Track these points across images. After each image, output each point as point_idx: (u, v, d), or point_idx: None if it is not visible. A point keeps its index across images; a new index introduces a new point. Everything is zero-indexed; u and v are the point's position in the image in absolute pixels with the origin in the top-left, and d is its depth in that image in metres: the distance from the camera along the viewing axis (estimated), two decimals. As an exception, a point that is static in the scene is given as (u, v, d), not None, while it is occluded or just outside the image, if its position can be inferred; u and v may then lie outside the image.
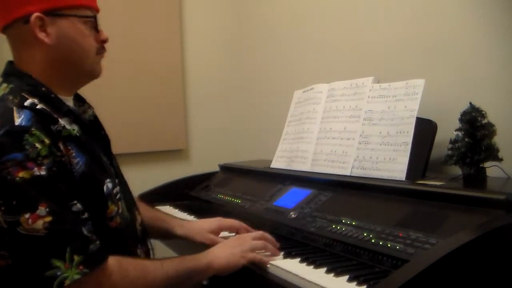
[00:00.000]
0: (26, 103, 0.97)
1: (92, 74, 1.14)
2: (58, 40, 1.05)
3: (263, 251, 1.16)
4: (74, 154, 1.00)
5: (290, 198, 1.48)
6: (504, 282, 0.90)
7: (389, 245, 1.03)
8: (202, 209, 1.73)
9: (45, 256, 0.86)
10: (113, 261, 0.95)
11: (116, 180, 1.12)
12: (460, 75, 1.45)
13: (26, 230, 0.86)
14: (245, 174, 1.91)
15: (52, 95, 1.05)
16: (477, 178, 1.24)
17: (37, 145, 0.91)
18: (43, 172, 0.90)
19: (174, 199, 1.93)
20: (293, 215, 1.37)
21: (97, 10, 1.13)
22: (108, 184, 1.06)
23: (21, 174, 0.88)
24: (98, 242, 0.94)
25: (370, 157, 1.40)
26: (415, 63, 1.59)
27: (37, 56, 1.05)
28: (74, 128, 1.04)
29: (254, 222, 1.41)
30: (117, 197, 1.09)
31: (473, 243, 0.84)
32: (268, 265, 1.11)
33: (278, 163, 1.78)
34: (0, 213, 0.86)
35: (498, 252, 0.90)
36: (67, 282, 0.86)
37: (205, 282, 1.24)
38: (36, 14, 1.02)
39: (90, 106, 1.21)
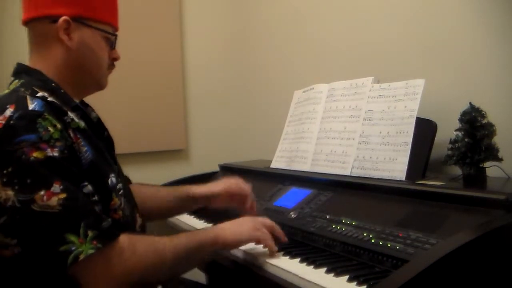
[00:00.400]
0: (38, 95, 1.01)
1: (100, 85, 1.20)
2: (78, 46, 1.11)
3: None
4: (82, 143, 1.03)
5: (290, 198, 1.48)
6: (504, 282, 0.90)
7: (389, 245, 1.03)
8: (202, 209, 1.73)
9: (60, 231, 0.88)
10: (124, 238, 0.97)
11: (119, 178, 1.14)
12: (460, 75, 1.45)
13: (40, 207, 0.88)
14: (245, 174, 1.90)
15: (62, 91, 1.09)
16: (477, 178, 1.24)
17: (50, 128, 0.94)
18: (56, 154, 0.93)
19: (174, 199, 1.93)
20: (293, 215, 1.37)
21: (117, 29, 1.20)
22: (112, 178, 1.09)
23: (35, 154, 0.90)
24: (109, 220, 0.97)
25: (370, 157, 1.40)
26: (415, 63, 1.59)
27: (54, 55, 1.10)
28: (81, 123, 1.07)
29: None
30: (120, 193, 1.10)
31: (473, 243, 0.84)
32: (263, 259, 1.12)
33: (278, 163, 1.78)
34: (14, 192, 0.88)
35: (498, 252, 0.90)
36: (82, 256, 0.88)
37: (204, 281, 1.24)
38: (65, 17, 1.07)
39: (93, 110, 1.24)
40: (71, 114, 1.05)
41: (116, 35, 1.18)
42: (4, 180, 0.89)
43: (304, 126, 1.70)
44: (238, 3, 2.68)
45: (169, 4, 2.55)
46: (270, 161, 1.82)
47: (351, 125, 1.50)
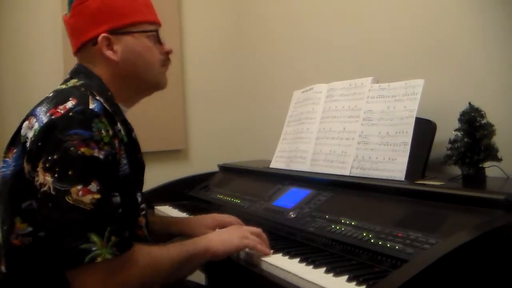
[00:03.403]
0: (96, 98, 1.04)
1: (158, 85, 1.23)
2: (124, 56, 1.14)
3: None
4: (123, 155, 1.05)
5: (289, 198, 1.48)
6: (504, 282, 0.90)
7: (388, 245, 1.03)
8: (201, 209, 1.73)
9: (86, 229, 0.89)
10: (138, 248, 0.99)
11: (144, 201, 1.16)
12: (459, 75, 1.45)
13: (74, 201, 0.90)
14: (245, 174, 1.91)
15: (115, 102, 1.12)
16: (476, 178, 1.24)
17: (103, 131, 0.98)
18: (101, 156, 0.95)
19: (174, 199, 1.93)
20: (292, 215, 1.37)
21: (159, 24, 1.23)
22: (139, 198, 1.11)
23: (83, 150, 0.93)
24: (128, 232, 0.98)
25: (370, 157, 1.40)
26: (414, 63, 1.59)
27: (105, 72, 1.14)
28: (125, 137, 1.10)
29: (254, 222, 1.41)
30: (143, 213, 1.13)
31: (473, 243, 0.84)
32: (264, 263, 1.11)
33: (278, 163, 1.78)
34: (52, 179, 0.91)
35: (497, 252, 0.90)
36: (99, 259, 0.89)
37: (204, 282, 1.24)
38: (103, 34, 1.12)
39: (133, 130, 1.25)
40: (119, 126, 1.08)
41: (156, 31, 1.19)
42: (47, 165, 0.92)
43: (304, 126, 1.70)
44: (237, 3, 2.68)
45: (169, 4, 2.55)
46: (270, 161, 1.82)
47: (351, 125, 1.50)
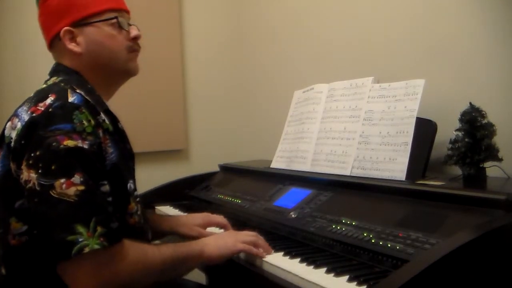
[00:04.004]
0: (76, 91, 1.05)
1: (127, 72, 1.22)
2: (88, 47, 1.14)
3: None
4: (109, 144, 1.06)
5: (290, 198, 1.48)
6: (504, 282, 0.90)
7: (389, 245, 1.03)
8: (202, 209, 1.73)
9: (71, 220, 0.90)
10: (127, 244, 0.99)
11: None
12: (460, 75, 1.45)
13: (58, 194, 0.90)
14: (245, 174, 1.91)
15: (96, 93, 1.13)
16: (477, 178, 1.24)
17: (85, 122, 0.98)
18: (85, 146, 0.96)
19: (174, 199, 1.93)
20: (293, 215, 1.37)
21: (125, 10, 1.21)
22: (131, 184, 1.11)
23: (66, 142, 0.94)
24: (117, 223, 0.97)
25: (370, 157, 1.40)
26: (415, 63, 1.59)
27: (75, 65, 1.15)
28: (110, 126, 1.10)
29: (254, 222, 1.42)
30: (137, 199, 1.13)
31: (473, 243, 0.84)
32: (264, 263, 1.11)
33: (278, 163, 1.78)
34: (36, 175, 0.92)
35: (498, 252, 0.90)
36: (86, 250, 0.89)
37: (204, 281, 1.25)
38: (64, 28, 1.13)
39: (119, 121, 1.24)
40: (103, 115, 1.08)
41: (116, 17, 1.17)
42: (30, 162, 0.93)
43: (304, 126, 1.70)
44: (238, 3, 2.68)
45: (169, 4, 2.55)
46: (270, 161, 1.82)
47: (351, 125, 1.50)
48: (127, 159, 1.15)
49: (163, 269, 1.03)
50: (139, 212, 1.12)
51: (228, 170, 2.05)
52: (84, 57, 1.14)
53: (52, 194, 0.90)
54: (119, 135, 1.14)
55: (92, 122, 1.00)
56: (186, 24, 2.62)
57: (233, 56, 2.69)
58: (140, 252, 1.01)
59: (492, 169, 1.26)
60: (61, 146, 0.93)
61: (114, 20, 1.17)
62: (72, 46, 1.13)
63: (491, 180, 1.25)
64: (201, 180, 2.04)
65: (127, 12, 1.22)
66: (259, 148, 2.40)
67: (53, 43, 1.17)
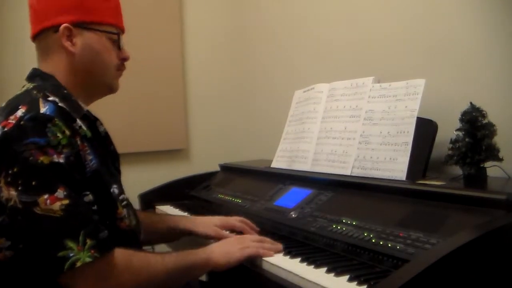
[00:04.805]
0: (49, 99, 1.02)
1: (110, 88, 1.21)
2: (82, 51, 1.13)
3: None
4: (88, 151, 1.04)
5: (291, 198, 1.48)
6: (504, 282, 0.90)
7: (389, 245, 1.03)
8: (202, 209, 1.74)
9: (60, 236, 0.89)
10: (119, 252, 0.98)
11: (123, 190, 1.15)
12: (460, 75, 1.45)
13: (42, 210, 0.89)
14: (246, 174, 1.91)
15: (73, 98, 1.10)
16: (477, 178, 1.24)
17: (59, 134, 0.95)
18: (61, 160, 0.94)
19: (175, 198, 1.93)
20: (293, 215, 1.37)
21: (123, 29, 1.21)
22: (115, 189, 1.10)
23: (42, 158, 0.91)
24: (106, 231, 0.96)
25: (371, 157, 1.40)
26: (415, 63, 1.59)
27: (61, 63, 1.12)
28: (88, 132, 1.08)
29: (255, 222, 1.42)
30: (123, 203, 1.11)
31: (474, 243, 0.84)
32: (264, 263, 1.11)
33: (279, 163, 1.78)
34: (17, 193, 0.89)
35: (498, 252, 0.90)
36: (79, 264, 0.88)
37: (205, 279, 1.25)
38: (65, 24, 1.10)
39: (101, 123, 1.24)
40: (79, 122, 1.06)
41: (118, 34, 1.18)
42: (9, 179, 0.90)
43: (305, 126, 1.70)
44: (238, 3, 2.68)
45: (169, 4, 2.55)
46: (271, 161, 1.82)
47: (352, 125, 1.50)
48: (109, 163, 1.14)
49: (168, 278, 1.03)
50: (128, 215, 1.11)
51: (228, 169, 2.05)
52: (76, 59, 1.12)
53: (36, 211, 0.88)
54: (99, 139, 1.13)
55: (67, 132, 0.97)
56: (186, 24, 2.62)
57: (233, 56, 2.69)
58: (143, 261, 1.01)
59: (492, 169, 1.26)
60: (38, 161, 0.91)
61: (115, 36, 1.17)
62: (68, 44, 1.11)
63: (491, 180, 1.25)
64: (202, 180, 2.04)
65: (123, 31, 1.22)
66: (259, 148, 2.40)
67: (45, 33, 1.13)
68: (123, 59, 1.20)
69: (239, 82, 2.67)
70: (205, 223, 1.37)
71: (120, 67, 1.20)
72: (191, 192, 1.99)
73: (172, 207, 1.84)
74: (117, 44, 1.18)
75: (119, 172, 1.23)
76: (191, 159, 2.64)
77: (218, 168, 2.11)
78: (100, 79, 1.17)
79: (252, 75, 2.59)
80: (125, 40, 1.22)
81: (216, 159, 2.17)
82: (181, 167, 2.50)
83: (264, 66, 2.49)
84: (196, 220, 1.41)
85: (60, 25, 1.10)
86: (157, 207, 1.88)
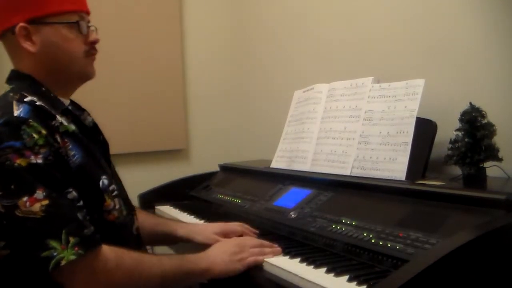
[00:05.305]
0: (25, 99, 1.01)
1: (83, 76, 1.17)
2: (43, 48, 1.09)
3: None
4: (70, 146, 1.03)
5: (290, 198, 1.48)
6: (504, 282, 0.90)
7: (389, 245, 1.03)
8: (202, 209, 1.74)
9: (42, 236, 0.89)
10: (108, 249, 0.98)
11: (113, 180, 1.14)
12: (460, 75, 1.45)
13: (23, 213, 0.89)
14: (245, 174, 1.91)
15: (52, 95, 1.09)
16: (477, 178, 1.24)
17: (34, 135, 0.95)
18: (39, 161, 0.94)
19: (175, 199, 1.94)
20: (293, 215, 1.37)
21: (86, 12, 1.16)
22: (104, 181, 1.09)
23: (19, 161, 0.91)
24: (92, 227, 0.96)
25: (370, 157, 1.40)
26: (415, 63, 1.59)
27: (29, 62, 1.10)
28: (71, 126, 1.07)
29: (254, 222, 1.42)
30: (114, 194, 1.11)
31: (473, 243, 0.84)
32: (264, 263, 1.11)
33: (278, 163, 1.78)
34: None
35: (498, 252, 0.90)
36: (63, 262, 0.88)
37: (205, 281, 1.25)
38: (20, 24, 1.06)
39: (89, 114, 1.23)
40: (60, 118, 1.05)
41: (78, 22, 1.12)
42: None
43: (304, 126, 1.70)
44: (238, 3, 2.68)
45: (169, 4, 2.55)
46: (270, 161, 1.82)
47: (351, 125, 1.50)
48: (97, 155, 1.12)
49: (163, 282, 1.03)
50: (117, 207, 1.10)
51: (228, 170, 2.05)
52: (38, 57, 1.09)
53: (18, 214, 0.89)
54: (85, 132, 1.12)
55: (43, 132, 0.96)
56: (186, 24, 2.62)
57: (233, 56, 2.69)
58: (136, 261, 1.01)
59: (492, 169, 1.26)
60: (15, 164, 0.91)
61: (75, 24, 1.11)
62: (27, 45, 1.07)
63: (491, 180, 1.25)
64: (201, 180, 2.04)
65: (88, 13, 1.17)
66: (259, 148, 2.40)
67: (5, 35, 1.10)
68: (91, 43, 1.15)
69: (239, 82, 2.67)
70: (204, 231, 1.34)
71: (90, 52, 1.15)
72: (190, 192, 1.99)
73: (172, 207, 1.84)
74: (80, 30, 1.12)
75: (109, 162, 1.21)
76: (190, 159, 2.65)
77: (217, 168, 2.11)
78: (70, 71, 1.13)
79: (252, 75, 2.59)
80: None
81: (215, 159, 2.17)
82: (181, 167, 2.50)
83: (264, 66, 2.49)
84: (195, 227, 1.39)
85: (15, 25, 1.06)
86: (156, 207, 1.88)
